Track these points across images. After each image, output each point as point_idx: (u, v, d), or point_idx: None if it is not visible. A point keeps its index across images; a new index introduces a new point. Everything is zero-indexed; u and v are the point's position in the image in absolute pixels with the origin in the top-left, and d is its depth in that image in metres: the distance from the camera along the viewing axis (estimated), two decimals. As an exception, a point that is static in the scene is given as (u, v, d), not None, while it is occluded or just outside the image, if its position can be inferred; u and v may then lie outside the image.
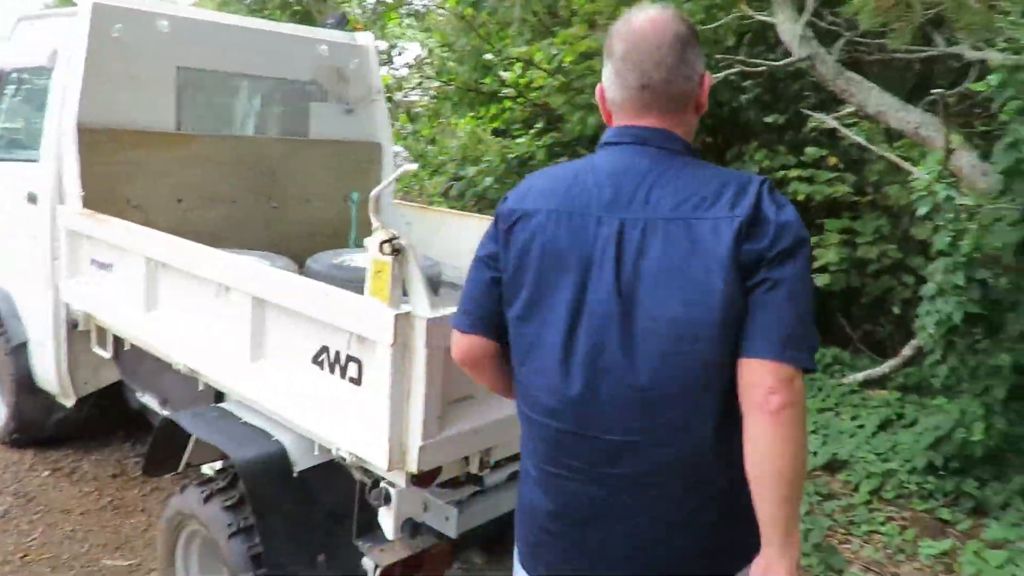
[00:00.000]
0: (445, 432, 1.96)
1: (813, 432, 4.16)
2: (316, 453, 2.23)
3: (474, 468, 2.12)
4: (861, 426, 4.15)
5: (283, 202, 3.99)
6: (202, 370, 2.58)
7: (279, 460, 2.24)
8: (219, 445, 2.27)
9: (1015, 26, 4.04)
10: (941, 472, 3.67)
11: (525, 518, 1.47)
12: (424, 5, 8.45)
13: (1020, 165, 3.57)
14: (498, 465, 2.25)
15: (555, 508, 1.40)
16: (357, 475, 2.10)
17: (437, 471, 2.03)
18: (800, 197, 5.10)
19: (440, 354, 1.90)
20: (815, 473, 3.86)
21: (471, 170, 8.13)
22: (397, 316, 1.85)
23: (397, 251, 1.86)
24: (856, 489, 3.73)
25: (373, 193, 1.87)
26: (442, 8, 8.22)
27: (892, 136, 5.06)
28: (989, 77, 3.89)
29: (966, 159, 4.05)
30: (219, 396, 2.71)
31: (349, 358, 2.04)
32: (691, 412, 1.29)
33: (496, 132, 8.97)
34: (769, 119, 5.74)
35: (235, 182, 3.81)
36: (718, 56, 5.28)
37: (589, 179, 1.38)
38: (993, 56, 4.25)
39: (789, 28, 4.60)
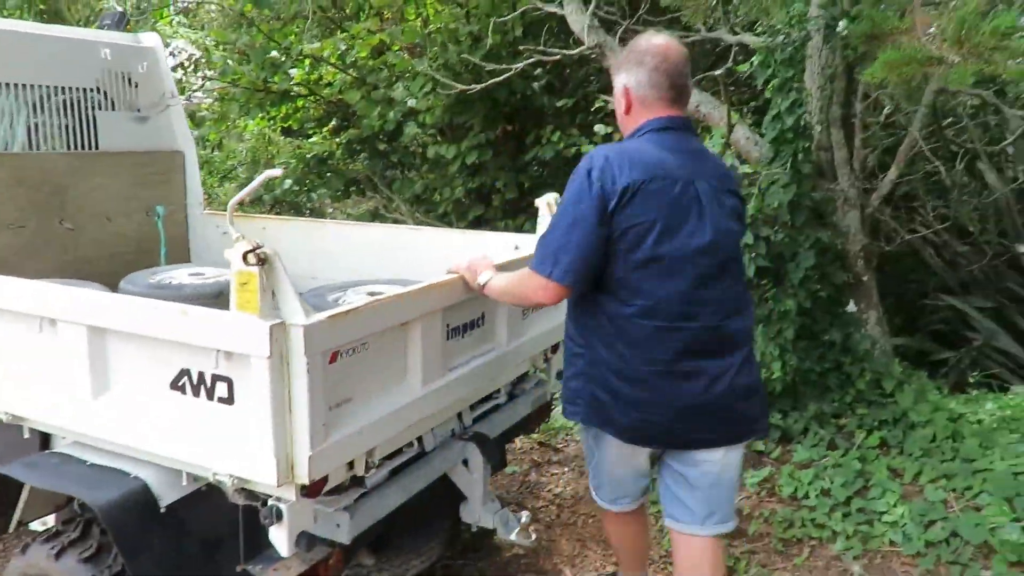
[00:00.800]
0: (331, 438, 1.93)
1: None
2: (184, 484, 2.09)
3: (360, 470, 2.10)
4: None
5: (78, 222, 3.63)
6: (29, 415, 2.31)
7: (142, 497, 2.08)
8: (71, 492, 2.06)
9: (768, 12, 4.61)
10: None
11: (653, 413, 2.11)
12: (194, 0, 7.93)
13: (785, 134, 4.09)
14: (379, 464, 2.25)
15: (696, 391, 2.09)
16: (238, 498, 2.00)
17: (325, 479, 2.00)
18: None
19: (320, 360, 1.87)
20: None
21: (266, 173, 7.79)
22: (272, 327, 1.79)
23: (263, 260, 1.80)
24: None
25: (232, 202, 1.79)
26: (215, 4, 7.78)
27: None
28: (753, 59, 4.41)
29: (741, 132, 4.56)
30: (44, 443, 2.45)
31: (216, 378, 1.94)
32: (744, 296, 2.21)
33: (286, 132, 8.67)
34: (560, 103, 6.07)
35: (18, 204, 3.41)
36: (521, 47, 5.49)
37: (667, 157, 2.06)
38: (752, 40, 4.81)
39: (578, 19, 4.90)
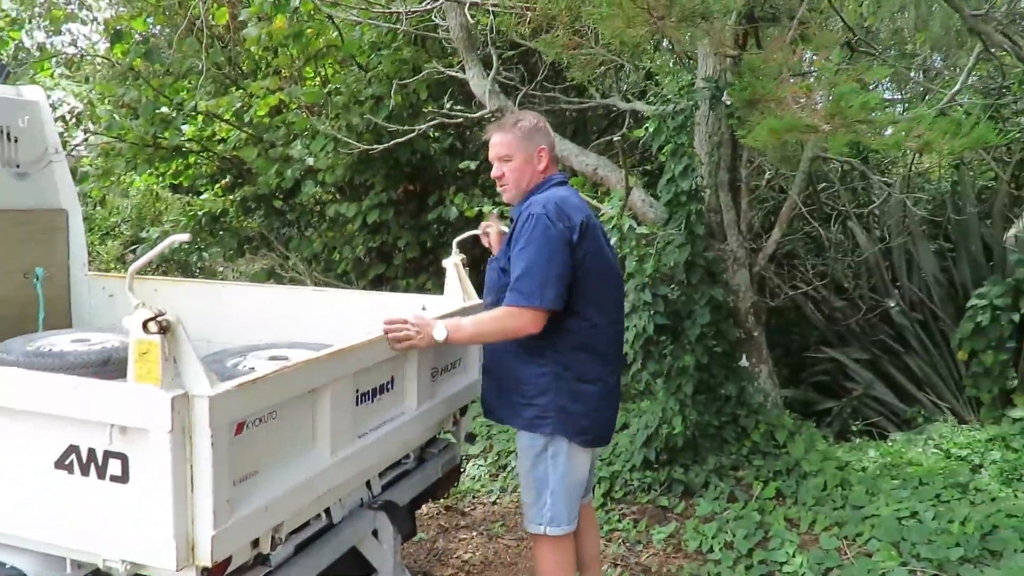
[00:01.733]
0: (236, 515, 1.82)
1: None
2: (69, 571, 1.92)
3: (265, 548, 1.99)
4: (583, 437, 4.60)
5: (-55, 286, 3.35)
6: None
7: (18, 590, 1.89)
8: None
9: (660, 84, 4.86)
10: (655, 465, 4.21)
11: (602, 409, 2.58)
12: (78, 52, 7.61)
13: (679, 197, 4.29)
14: (285, 540, 2.14)
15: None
16: (131, 585, 1.85)
17: (228, 560, 1.88)
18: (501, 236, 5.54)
19: (225, 432, 1.78)
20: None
21: (154, 232, 7.47)
22: (174, 399, 1.69)
23: (165, 328, 1.71)
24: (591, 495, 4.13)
25: (133, 267, 1.70)
26: (100, 57, 7.50)
27: (572, 175, 5.75)
28: (646, 125, 4.63)
29: (637, 195, 4.75)
30: None
31: (109, 454, 1.80)
32: None
33: (175, 188, 8.37)
34: (462, 165, 6.14)
35: None
36: (426, 111, 5.54)
37: (578, 201, 2.56)
38: (644, 107, 5.05)
39: (479, 84, 5.01)
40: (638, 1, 2.57)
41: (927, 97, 6.64)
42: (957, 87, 4.82)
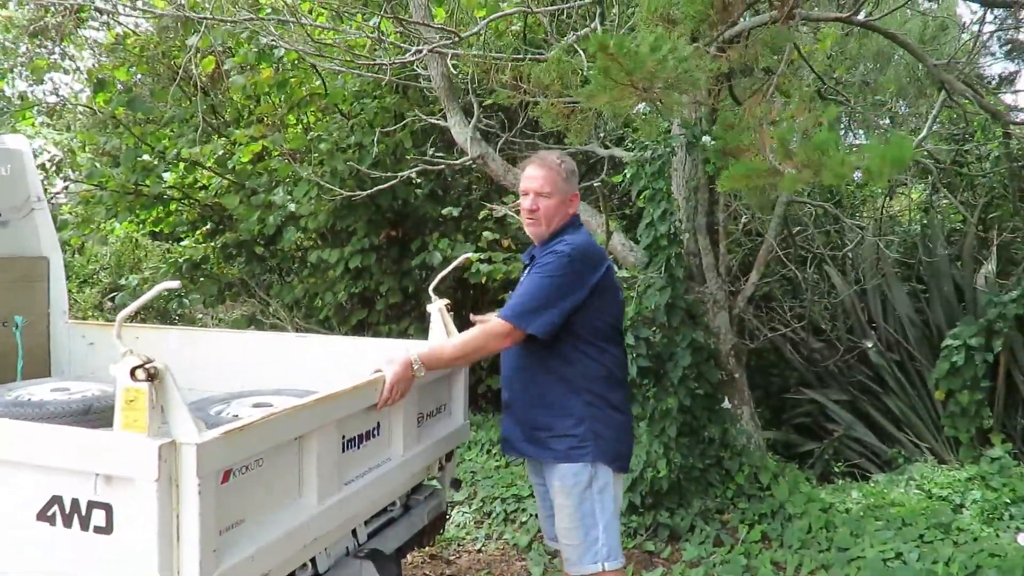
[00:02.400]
0: (222, 566, 1.80)
1: (529, 495, 4.49)
2: (50, 626, 1.87)
3: (251, 599, 1.96)
4: (568, 481, 4.58)
5: (-78, 335, 3.31)
6: None
7: (-5, 647, 1.84)
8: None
9: (637, 130, 4.97)
10: (641, 509, 4.19)
11: (628, 435, 2.71)
12: (60, 101, 7.64)
13: (659, 241, 4.36)
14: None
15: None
16: (113, 640, 1.81)
17: (214, 612, 1.85)
18: (483, 279, 5.57)
19: (212, 480, 1.76)
20: (540, 534, 4.16)
21: (133, 279, 7.43)
22: (161, 447, 1.68)
23: (153, 376, 1.71)
24: (577, 540, 4.09)
25: (122, 314, 1.70)
26: (83, 106, 7.53)
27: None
28: (625, 171, 4.72)
29: (617, 239, 4.82)
30: None
31: (93, 504, 1.78)
32: None
33: (154, 235, 8.34)
34: (445, 211, 6.20)
35: None
36: (409, 157, 5.61)
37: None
38: (622, 154, 5.16)
39: (460, 131, 5.10)
40: (622, 77, 2.67)
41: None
42: (923, 134, 4.98)
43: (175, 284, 1.73)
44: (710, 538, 4.00)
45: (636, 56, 2.58)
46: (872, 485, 4.76)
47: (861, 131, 7.87)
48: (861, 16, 4.69)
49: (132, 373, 1.70)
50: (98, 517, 1.78)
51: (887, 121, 7.93)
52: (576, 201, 2.70)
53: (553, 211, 2.62)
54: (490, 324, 2.53)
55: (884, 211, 7.32)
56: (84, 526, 1.80)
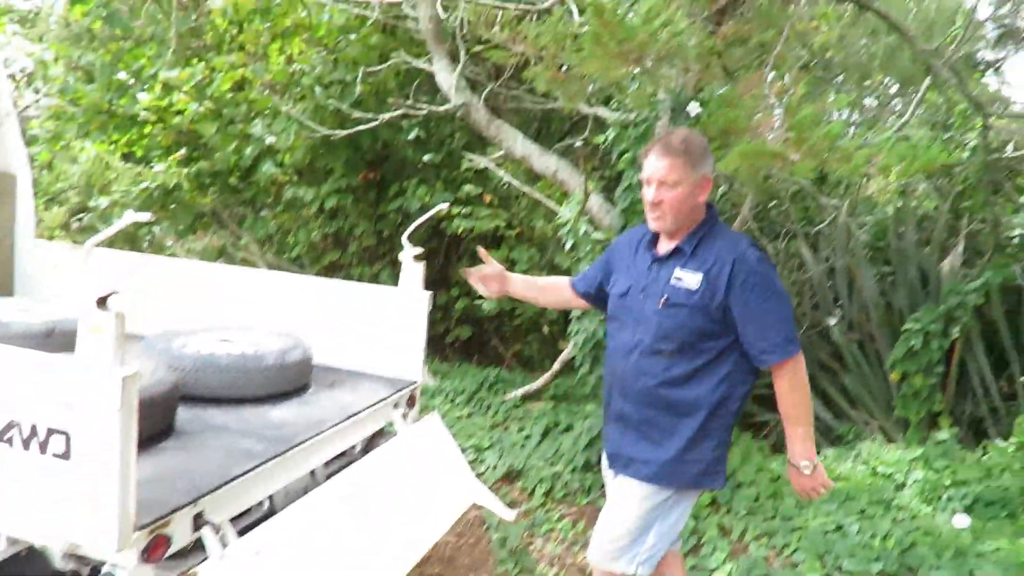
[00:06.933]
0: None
1: (489, 447, 4.57)
2: (3, 547, 1.89)
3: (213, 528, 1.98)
4: (528, 436, 4.67)
5: None
6: None
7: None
8: None
9: (623, 91, 4.93)
10: (596, 467, 4.29)
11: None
12: (32, 9, 7.36)
13: (636, 206, 4.37)
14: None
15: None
16: (66, 564, 1.83)
17: (168, 541, 1.87)
18: (461, 231, 5.56)
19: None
20: (496, 484, 4.25)
21: (103, 200, 7.28)
22: (125, 379, 1.68)
23: (118, 307, 1.70)
24: (532, 494, 4.19)
25: (91, 242, 1.68)
26: (58, 16, 7.26)
27: (533, 177, 5.80)
28: (608, 132, 4.69)
29: (594, 200, 4.81)
30: None
31: (52, 431, 1.78)
32: None
33: (126, 157, 8.15)
34: (426, 158, 6.14)
35: None
36: (391, 100, 5.52)
37: None
38: (606, 113, 5.12)
39: (446, 77, 5.02)
40: (615, 46, 2.62)
41: (877, 124, 6.87)
42: (906, 118, 5.01)
43: (145, 216, 1.71)
44: (661, 499, 4.10)
45: (628, 26, 2.55)
46: (821, 459, 4.89)
47: (848, 107, 7.90)
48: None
49: (100, 302, 1.68)
50: (56, 443, 1.78)
51: (874, 101, 7.95)
52: (708, 185, 2.30)
53: (680, 203, 2.27)
54: (785, 370, 2.35)
55: (860, 193, 7.39)
56: (42, 450, 1.79)
